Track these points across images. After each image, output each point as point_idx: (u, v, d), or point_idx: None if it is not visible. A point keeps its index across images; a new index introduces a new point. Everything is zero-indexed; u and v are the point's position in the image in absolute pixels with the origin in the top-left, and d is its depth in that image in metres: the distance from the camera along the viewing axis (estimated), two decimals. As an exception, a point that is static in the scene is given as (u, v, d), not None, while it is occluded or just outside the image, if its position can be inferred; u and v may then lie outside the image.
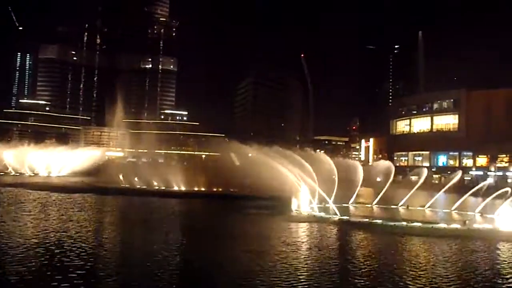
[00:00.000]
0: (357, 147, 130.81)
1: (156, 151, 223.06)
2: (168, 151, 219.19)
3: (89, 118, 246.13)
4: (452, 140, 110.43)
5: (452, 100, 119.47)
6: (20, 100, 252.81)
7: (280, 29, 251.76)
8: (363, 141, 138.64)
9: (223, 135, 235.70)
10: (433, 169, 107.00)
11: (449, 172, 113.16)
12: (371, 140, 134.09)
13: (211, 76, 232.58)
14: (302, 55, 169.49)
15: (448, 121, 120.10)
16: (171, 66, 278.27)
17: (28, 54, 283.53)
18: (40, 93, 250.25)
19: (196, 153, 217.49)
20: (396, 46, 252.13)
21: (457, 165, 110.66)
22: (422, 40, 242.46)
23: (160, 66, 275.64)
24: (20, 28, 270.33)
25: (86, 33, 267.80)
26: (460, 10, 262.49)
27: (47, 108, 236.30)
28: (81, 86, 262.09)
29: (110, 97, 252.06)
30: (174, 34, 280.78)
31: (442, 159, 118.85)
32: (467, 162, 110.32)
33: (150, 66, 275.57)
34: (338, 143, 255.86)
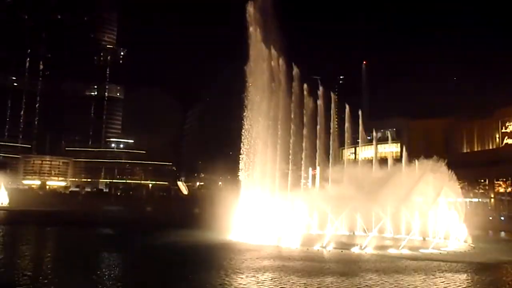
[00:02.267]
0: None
1: (101, 180, 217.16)
2: (114, 180, 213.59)
3: (29, 146, 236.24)
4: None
5: (394, 129, 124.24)
6: None
7: (228, 56, 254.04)
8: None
9: (171, 163, 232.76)
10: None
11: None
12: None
13: (159, 104, 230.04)
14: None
15: (391, 149, 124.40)
16: (118, 94, 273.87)
17: None
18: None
19: (142, 182, 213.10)
20: (341, 77, 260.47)
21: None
22: (365, 70, 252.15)
23: (106, 94, 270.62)
24: None
25: (28, 59, 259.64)
26: (403, 42, 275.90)
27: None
28: (22, 113, 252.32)
29: (53, 124, 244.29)
30: (121, 61, 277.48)
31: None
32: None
33: (96, 93, 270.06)
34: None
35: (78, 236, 42.19)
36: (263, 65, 43.53)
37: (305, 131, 46.44)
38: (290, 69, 45.51)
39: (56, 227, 48.28)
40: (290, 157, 46.78)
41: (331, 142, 49.50)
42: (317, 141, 48.64)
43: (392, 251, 33.29)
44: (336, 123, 54.24)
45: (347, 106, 49.35)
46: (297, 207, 39.62)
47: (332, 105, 50.55)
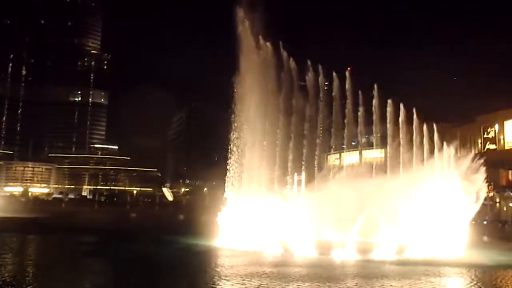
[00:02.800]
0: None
1: (85, 186, 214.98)
2: (98, 187, 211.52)
3: (11, 152, 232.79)
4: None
5: (379, 134, 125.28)
6: None
7: (215, 62, 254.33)
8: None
9: (155, 169, 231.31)
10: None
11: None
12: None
13: (143, 110, 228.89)
14: (235, 91, 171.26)
15: (375, 155, 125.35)
16: (102, 99, 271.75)
17: None
18: None
19: (127, 188, 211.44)
20: (326, 83, 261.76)
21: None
22: (350, 76, 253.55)
23: (90, 99, 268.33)
24: None
25: (11, 64, 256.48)
26: (388, 47, 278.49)
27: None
28: (4, 118, 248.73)
29: (36, 130, 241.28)
30: (105, 66, 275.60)
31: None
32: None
33: (80, 99, 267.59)
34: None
35: (63, 244, 41.55)
36: (252, 60, 43.39)
37: (292, 137, 46.35)
38: (280, 66, 45.34)
39: (39, 235, 47.52)
40: (276, 162, 46.69)
41: (317, 148, 49.36)
42: (305, 143, 48.57)
43: (376, 256, 33.37)
44: (321, 129, 54.29)
45: (333, 111, 49.08)
46: (281, 212, 39.59)
47: (320, 108, 50.37)
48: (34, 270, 27.95)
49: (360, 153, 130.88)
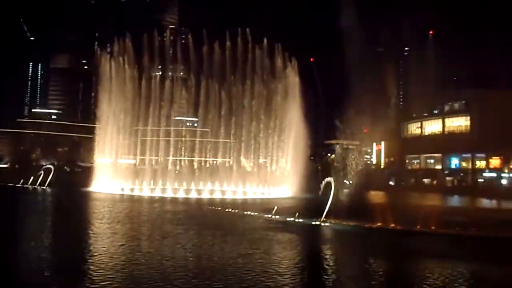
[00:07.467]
0: (369, 150, 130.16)
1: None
2: (176, 158, 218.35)
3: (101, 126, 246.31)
4: (465, 141, 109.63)
5: (463, 101, 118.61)
6: (33, 110, 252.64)
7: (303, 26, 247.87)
8: (374, 144, 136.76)
9: (235, 140, 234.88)
10: (445, 172, 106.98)
11: (461, 174, 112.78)
12: (383, 143, 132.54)
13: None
14: (312, 59, 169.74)
15: (460, 123, 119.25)
16: (181, 73, 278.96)
17: (39, 64, 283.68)
18: (52, 102, 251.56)
19: (205, 159, 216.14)
20: (406, 48, 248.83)
21: (469, 167, 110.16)
22: (432, 40, 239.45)
23: (170, 73, 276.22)
24: (31, 38, 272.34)
25: (96, 42, 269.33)
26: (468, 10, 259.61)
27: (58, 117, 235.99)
28: (93, 95, 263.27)
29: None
30: (183, 41, 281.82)
31: (454, 161, 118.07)
32: (481, 163, 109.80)
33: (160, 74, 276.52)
34: (350, 146, 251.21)
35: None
36: None
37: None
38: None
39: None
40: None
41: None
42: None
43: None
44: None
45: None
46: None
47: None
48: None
49: (443, 121, 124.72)
